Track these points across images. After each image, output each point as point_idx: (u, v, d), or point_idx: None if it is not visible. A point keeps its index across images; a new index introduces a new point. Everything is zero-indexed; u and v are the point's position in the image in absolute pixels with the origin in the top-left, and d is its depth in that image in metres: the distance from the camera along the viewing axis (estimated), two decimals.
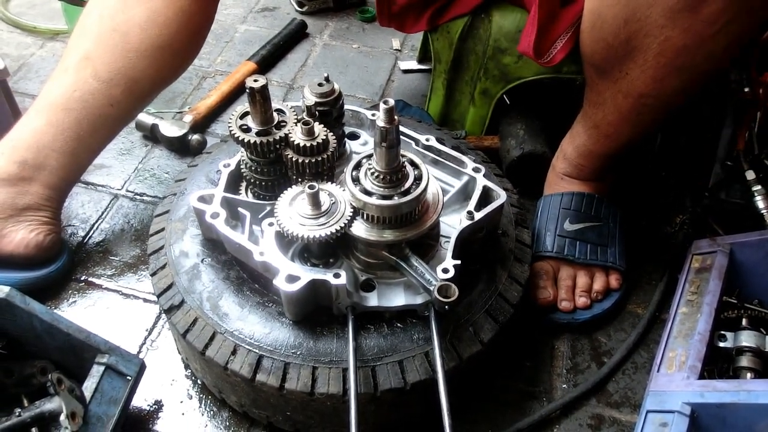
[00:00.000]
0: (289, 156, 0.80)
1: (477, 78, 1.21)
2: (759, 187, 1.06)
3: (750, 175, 1.07)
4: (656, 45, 0.82)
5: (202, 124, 1.36)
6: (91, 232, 1.14)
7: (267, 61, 1.54)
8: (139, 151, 1.31)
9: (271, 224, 0.80)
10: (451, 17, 1.19)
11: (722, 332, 0.91)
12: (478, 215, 0.83)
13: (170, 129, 1.28)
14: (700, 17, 0.76)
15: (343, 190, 0.78)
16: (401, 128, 0.92)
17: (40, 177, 0.99)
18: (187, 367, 0.96)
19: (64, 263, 1.05)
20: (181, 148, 1.30)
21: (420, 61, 1.56)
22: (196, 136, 1.28)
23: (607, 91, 0.94)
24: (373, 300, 0.79)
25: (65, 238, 1.10)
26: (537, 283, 1.03)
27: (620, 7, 0.82)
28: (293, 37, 1.63)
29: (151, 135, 1.31)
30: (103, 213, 1.18)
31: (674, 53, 0.82)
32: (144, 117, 1.30)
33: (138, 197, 1.22)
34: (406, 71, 1.56)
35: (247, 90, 0.77)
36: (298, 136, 0.79)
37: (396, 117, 0.70)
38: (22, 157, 0.97)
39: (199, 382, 0.94)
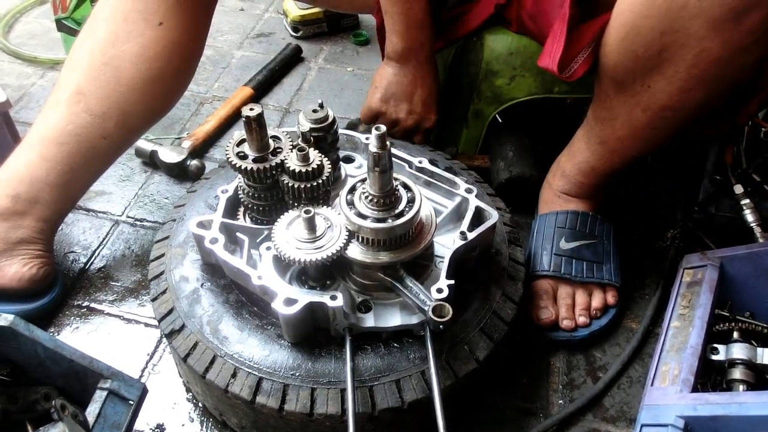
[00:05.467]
0: (285, 181, 0.82)
1: (470, 100, 1.23)
2: (747, 200, 1.07)
3: (738, 189, 1.09)
4: (691, 56, 0.81)
5: (200, 150, 1.38)
6: (93, 258, 1.16)
7: (263, 86, 1.57)
8: (139, 178, 1.33)
9: (268, 248, 0.81)
10: (459, 35, 1.19)
11: (714, 345, 0.92)
12: (471, 235, 0.85)
13: (169, 155, 1.30)
14: (742, 28, 0.76)
15: (339, 213, 0.80)
16: (394, 151, 0.95)
17: (33, 211, 0.99)
18: (188, 390, 0.97)
19: (57, 294, 1.05)
20: (180, 173, 1.32)
21: None
22: (194, 162, 1.30)
23: (621, 106, 0.93)
24: (369, 321, 0.81)
25: (59, 268, 1.10)
26: (537, 303, 1.04)
27: (659, 19, 0.81)
28: (288, 61, 1.66)
29: (151, 161, 1.33)
30: (104, 239, 1.20)
31: (708, 65, 0.81)
32: (143, 143, 1.32)
33: (138, 223, 1.23)
34: None
35: (244, 119, 0.79)
36: (293, 162, 0.81)
37: (388, 142, 0.72)
38: (15, 191, 0.98)
39: (200, 405, 0.95)
